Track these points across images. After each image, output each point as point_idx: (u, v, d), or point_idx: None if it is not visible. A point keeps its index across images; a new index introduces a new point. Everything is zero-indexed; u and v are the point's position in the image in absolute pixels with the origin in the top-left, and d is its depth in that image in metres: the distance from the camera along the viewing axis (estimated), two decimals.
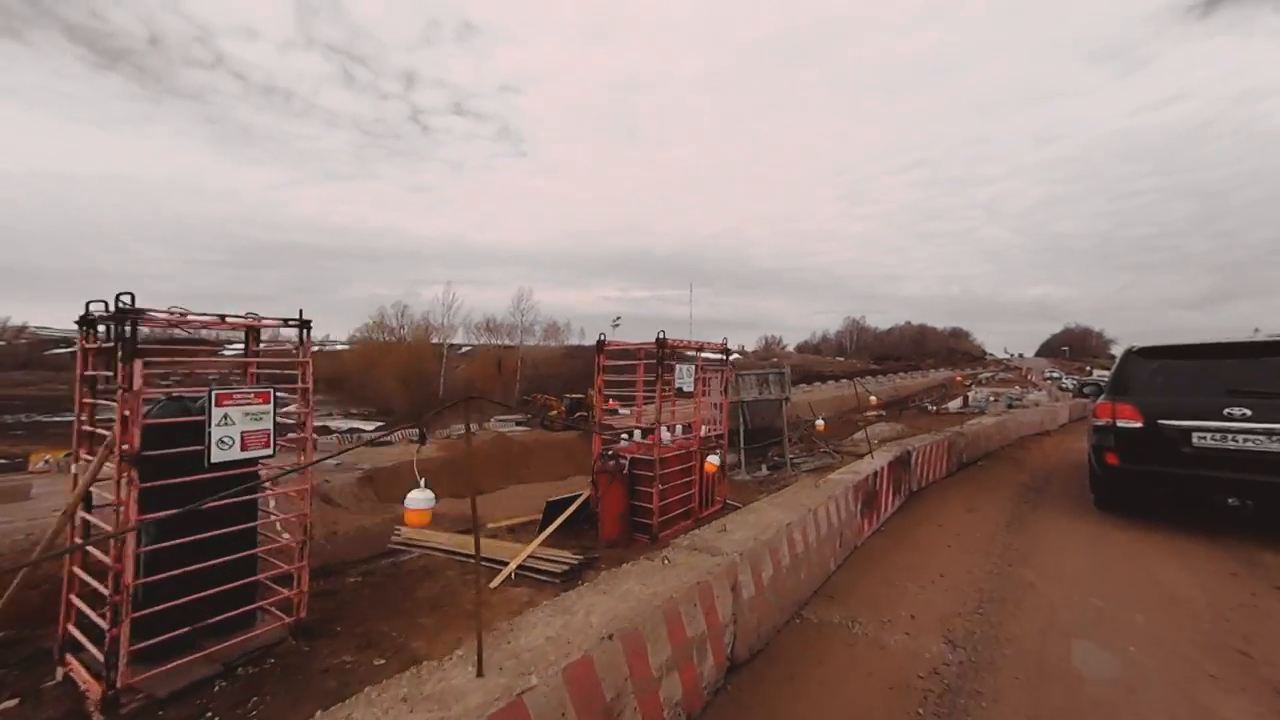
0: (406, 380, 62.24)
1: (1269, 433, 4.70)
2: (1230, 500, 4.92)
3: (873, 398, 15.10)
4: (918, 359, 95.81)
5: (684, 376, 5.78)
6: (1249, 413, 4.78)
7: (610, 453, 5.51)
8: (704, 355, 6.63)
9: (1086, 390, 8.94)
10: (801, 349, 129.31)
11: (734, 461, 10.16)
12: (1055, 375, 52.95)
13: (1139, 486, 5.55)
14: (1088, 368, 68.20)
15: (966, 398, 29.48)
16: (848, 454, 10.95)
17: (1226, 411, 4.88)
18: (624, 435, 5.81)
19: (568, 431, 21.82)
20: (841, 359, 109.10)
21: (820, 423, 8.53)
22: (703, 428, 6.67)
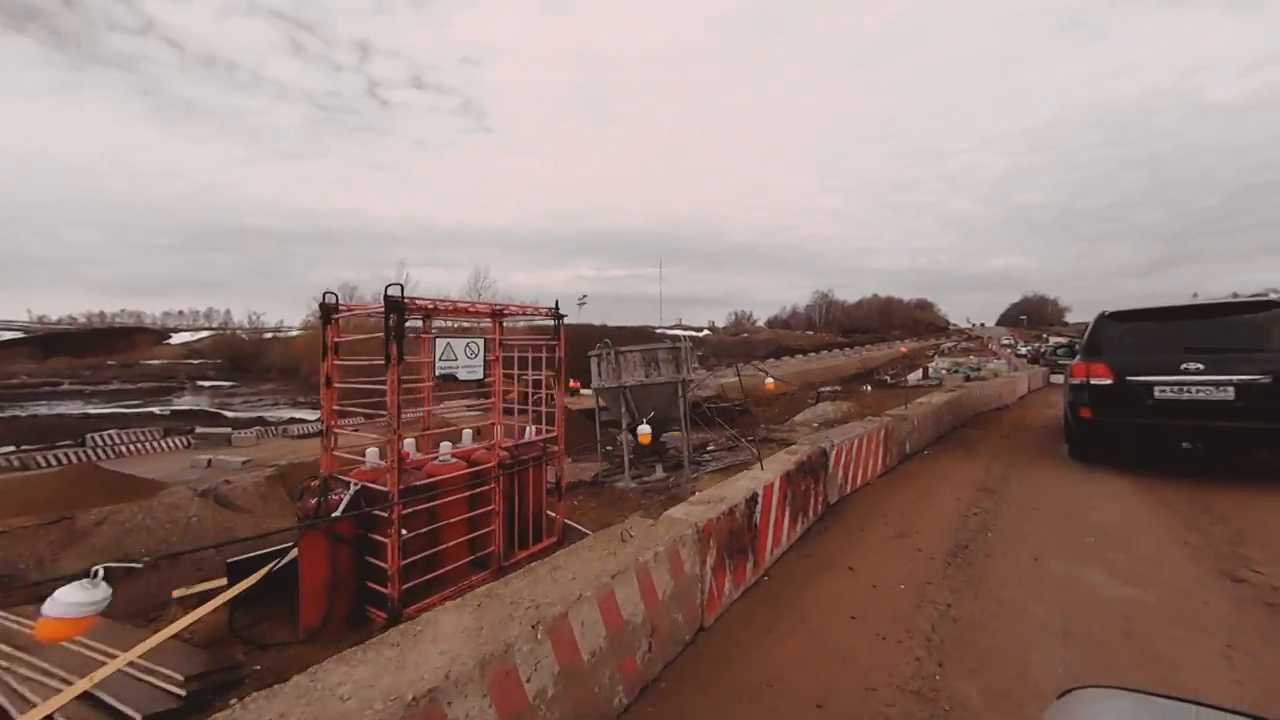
0: None
1: (1216, 384, 5.18)
2: (1184, 444, 5.42)
3: (769, 381, 13.30)
4: (884, 331, 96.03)
5: (461, 357, 3.70)
6: (1201, 367, 5.27)
7: (322, 481, 3.39)
8: (539, 325, 4.54)
9: (1059, 353, 9.69)
10: (772, 324, 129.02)
11: (608, 467, 8.18)
12: (1010, 343, 53.12)
13: (1108, 437, 6.12)
14: (1045, 335, 68.89)
15: (927, 369, 28.49)
16: (779, 442, 9.20)
17: (1183, 366, 5.34)
18: (366, 452, 3.69)
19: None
20: (811, 333, 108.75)
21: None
22: (527, 430, 4.62)
